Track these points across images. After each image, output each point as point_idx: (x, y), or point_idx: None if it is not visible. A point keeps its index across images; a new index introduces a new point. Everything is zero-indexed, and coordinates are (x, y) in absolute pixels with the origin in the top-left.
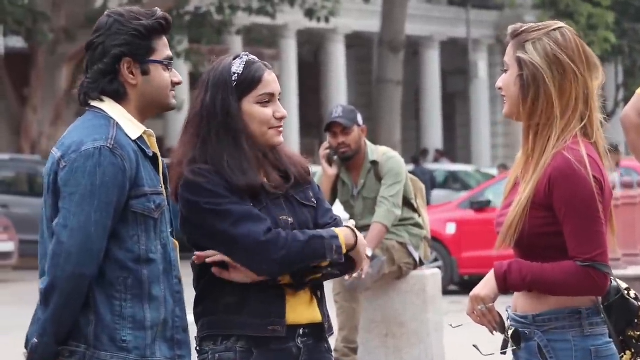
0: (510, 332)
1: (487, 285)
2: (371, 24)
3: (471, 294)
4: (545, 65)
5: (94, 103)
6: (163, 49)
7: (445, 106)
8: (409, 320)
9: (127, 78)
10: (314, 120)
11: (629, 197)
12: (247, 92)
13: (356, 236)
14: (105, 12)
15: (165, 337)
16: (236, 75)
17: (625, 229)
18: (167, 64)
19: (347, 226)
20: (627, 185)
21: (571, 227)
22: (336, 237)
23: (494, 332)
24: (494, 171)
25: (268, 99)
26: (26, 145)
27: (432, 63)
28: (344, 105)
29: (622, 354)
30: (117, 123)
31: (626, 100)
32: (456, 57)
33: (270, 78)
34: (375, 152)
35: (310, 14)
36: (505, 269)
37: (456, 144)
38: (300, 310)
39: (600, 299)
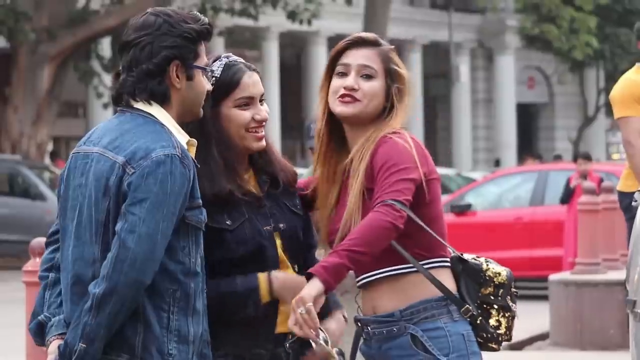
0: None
1: (309, 285)
2: (353, 27)
3: (293, 301)
4: None
5: (138, 105)
6: (203, 55)
7: (427, 109)
8: None
9: (174, 81)
10: (295, 122)
11: (610, 201)
12: (224, 95)
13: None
14: (149, 11)
15: (198, 351)
16: (214, 79)
17: (605, 233)
18: (208, 71)
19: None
20: (607, 190)
21: (381, 175)
22: (255, 288)
23: (317, 344)
24: (475, 175)
25: (246, 102)
26: (7, 144)
27: (414, 66)
28: None
29: (488, 316)
30: (169, 130)
31: (607, 105)
32: (438, 60)
33: (249, 81)
34: None
35: (292, 16)
36: (320, 264)
37: (437, 147)
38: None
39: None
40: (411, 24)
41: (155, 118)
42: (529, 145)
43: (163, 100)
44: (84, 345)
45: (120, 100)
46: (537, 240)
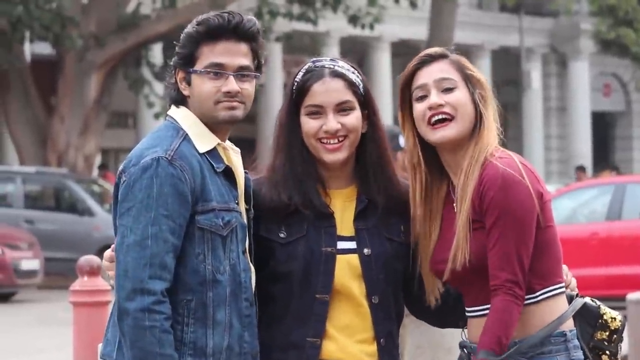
0: None
1: None
2: (418, 31)
3: None
4: None
5: (170, 110)
6: (208, 55)
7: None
8: (457, 347)
9: (180, 88)
10: None
11: None
12: (300, 101)
13: None
14: None
15: None
16: (296, 83)
17: None
18: (209, 72)
19: None
20: None
21: (496, 238)
22: None
23: None
24: (548, 188)
25: (316, 111)
26: (53, 157)
27: (483, 72)
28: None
29: None
30: (187, 134)
31: None
32: (508, 66)
33: (320, 88)
34: None
35: (354, 20)
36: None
37: None
38: (344, 348)
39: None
40: (479, 28)
41: (177, 123)
42: (604, 156)
43: (184, 105)
44: None
45: None
46: (614, 257)
